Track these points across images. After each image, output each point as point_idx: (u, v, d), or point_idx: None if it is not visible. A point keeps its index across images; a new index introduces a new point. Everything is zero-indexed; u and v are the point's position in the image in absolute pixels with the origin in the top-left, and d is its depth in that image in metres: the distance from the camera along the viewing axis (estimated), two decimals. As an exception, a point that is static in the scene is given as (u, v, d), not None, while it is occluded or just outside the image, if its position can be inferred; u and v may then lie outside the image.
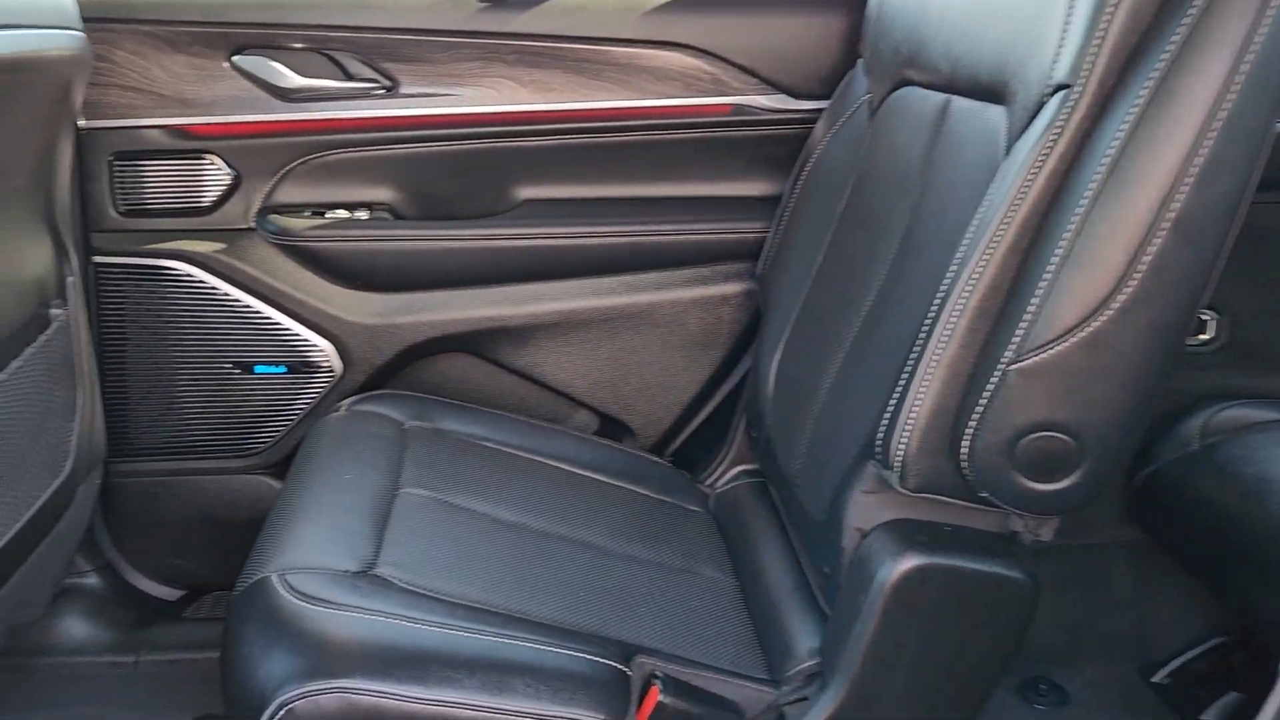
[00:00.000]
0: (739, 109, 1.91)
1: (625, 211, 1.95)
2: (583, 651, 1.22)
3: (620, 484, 1.74)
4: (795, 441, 1.51)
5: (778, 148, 1.91)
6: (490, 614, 1.26)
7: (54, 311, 1.61)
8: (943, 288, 1.15)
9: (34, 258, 1.58)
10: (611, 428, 2.04)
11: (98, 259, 1.84)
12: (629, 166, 1.95)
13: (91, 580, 2.00)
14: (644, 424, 2.01)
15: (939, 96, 1.40)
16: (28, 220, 1.56)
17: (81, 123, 1.76)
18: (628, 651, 1.26)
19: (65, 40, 1.49)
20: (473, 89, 1.87)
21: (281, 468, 1.97)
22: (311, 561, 1.28)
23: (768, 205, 1.89)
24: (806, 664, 1.31)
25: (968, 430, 1.12)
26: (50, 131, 1.61)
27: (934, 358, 1.14)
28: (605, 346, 1.95)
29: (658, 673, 1.25)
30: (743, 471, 1.81)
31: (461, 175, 1.95)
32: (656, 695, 1.20)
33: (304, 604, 1.20)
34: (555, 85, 1.87)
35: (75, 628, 1.96)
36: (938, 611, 1.20)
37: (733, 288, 1.94)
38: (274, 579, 1.24)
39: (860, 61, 1.74)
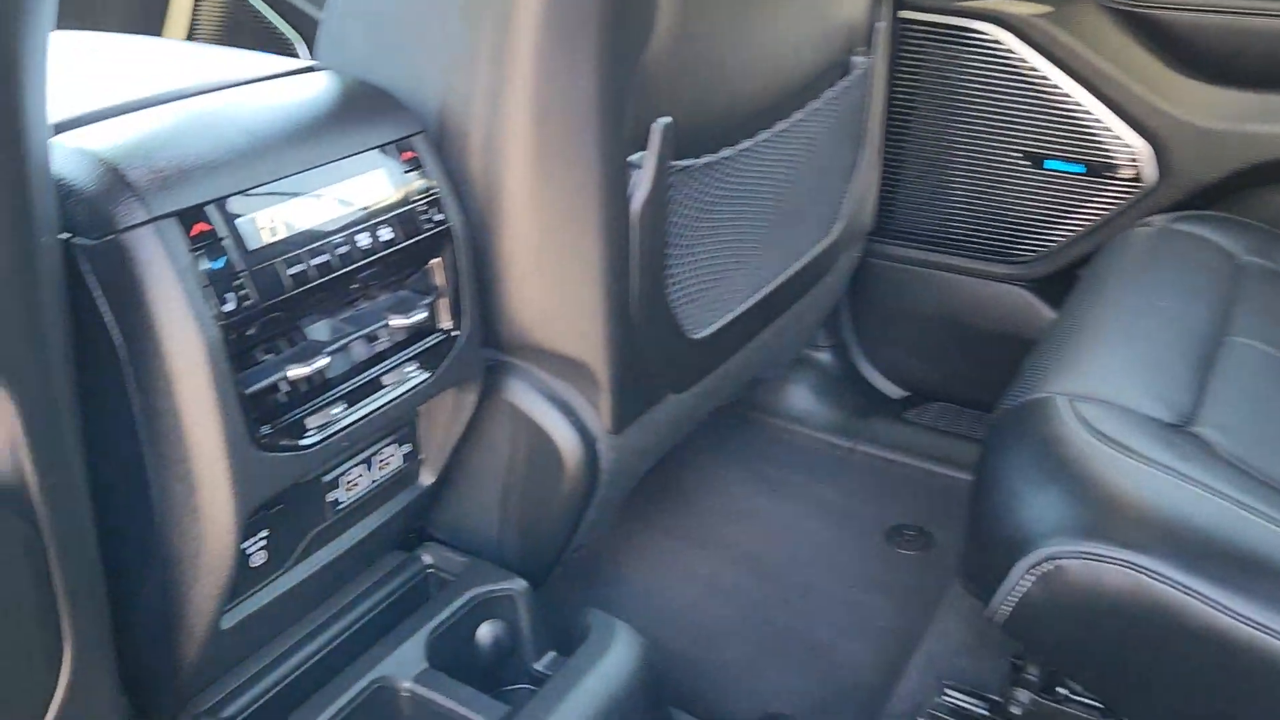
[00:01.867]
0: None
1: None
2: None
3: None
4: None
5: None
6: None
7: (855, 59, 1.48)
8: None
9: (851, -3, 1.45)
10: None
11: (903, 14, 1.67)
12: None
13: (825, 356, 1.97)
14: None
15: None
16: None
17: None
18: None
19: None
20: None
21: (1048, 285, 1.71)
22: (1112, 395, 1.00)
23: None
24: None
25: None
26: None
27: None
28: None
29: None
30: None
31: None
32: None
33: (1099, 444, 0.93)
34: None
35: (802, 398, 1.95)
36: None
37: None
38: (1060, 402, 0.99)
39: None
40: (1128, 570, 0.84)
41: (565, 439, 1.14)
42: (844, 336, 1.96)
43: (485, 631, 1.15)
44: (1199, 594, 0.82)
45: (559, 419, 1.14)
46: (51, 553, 0.71)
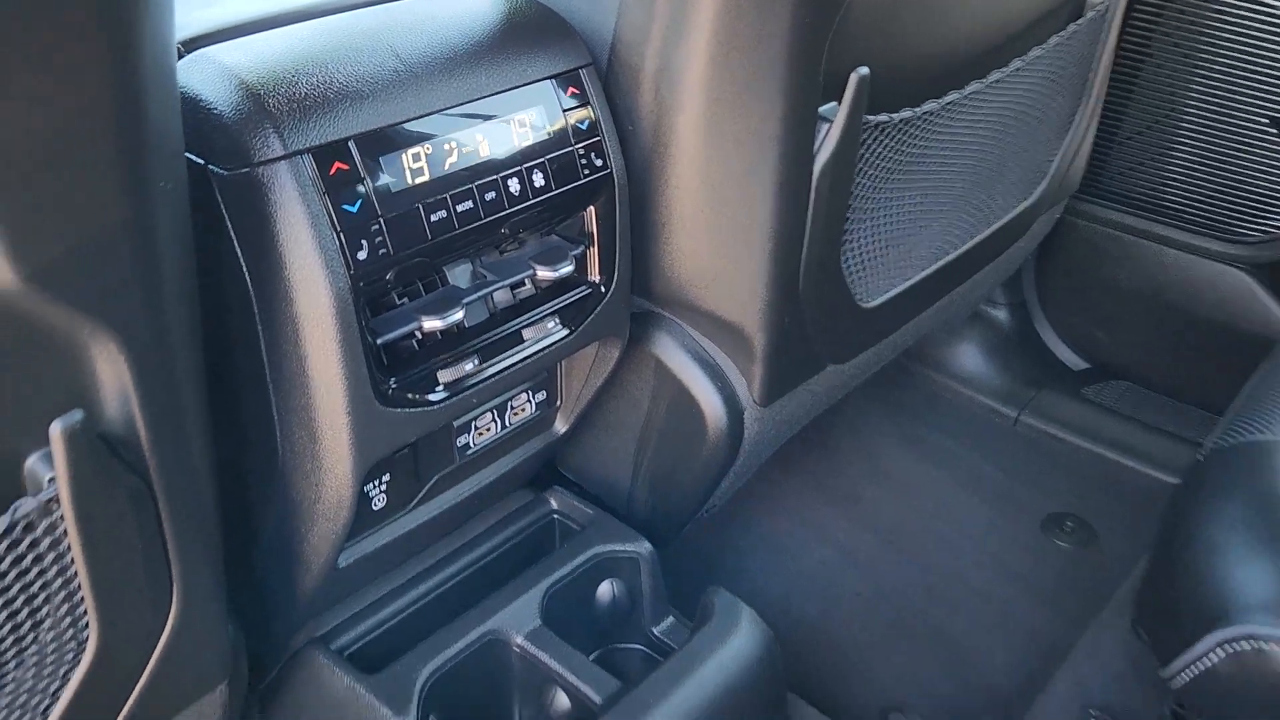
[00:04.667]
0: None
1: None
2: None
3: None
4: None
5: None
6: None
7: (1094, -1, 1.29)
8: None
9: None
10: None
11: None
12: None
13: (1000, 315, 1.82)
14: None
15: None
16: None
17: None
18: None
19: None
20: None
21: (1276, 273, 1.50)
22: (1354, 448, 0.85)
23: None
24: None
25: None
26: None
27: None
28: None
29: None
30: None
31: None
32: None
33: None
34: None
35: (969, 357, 1.81)
36: None
37: None
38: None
39: None
40: (1348, 674, 0.71)
41: (710, 405, 1.06)
42: (1025, 296, 1.80)
43: (604, 590, 1.10)
44: None
45: (706, 383, 1.06)
46: (162, 502, 0.68)
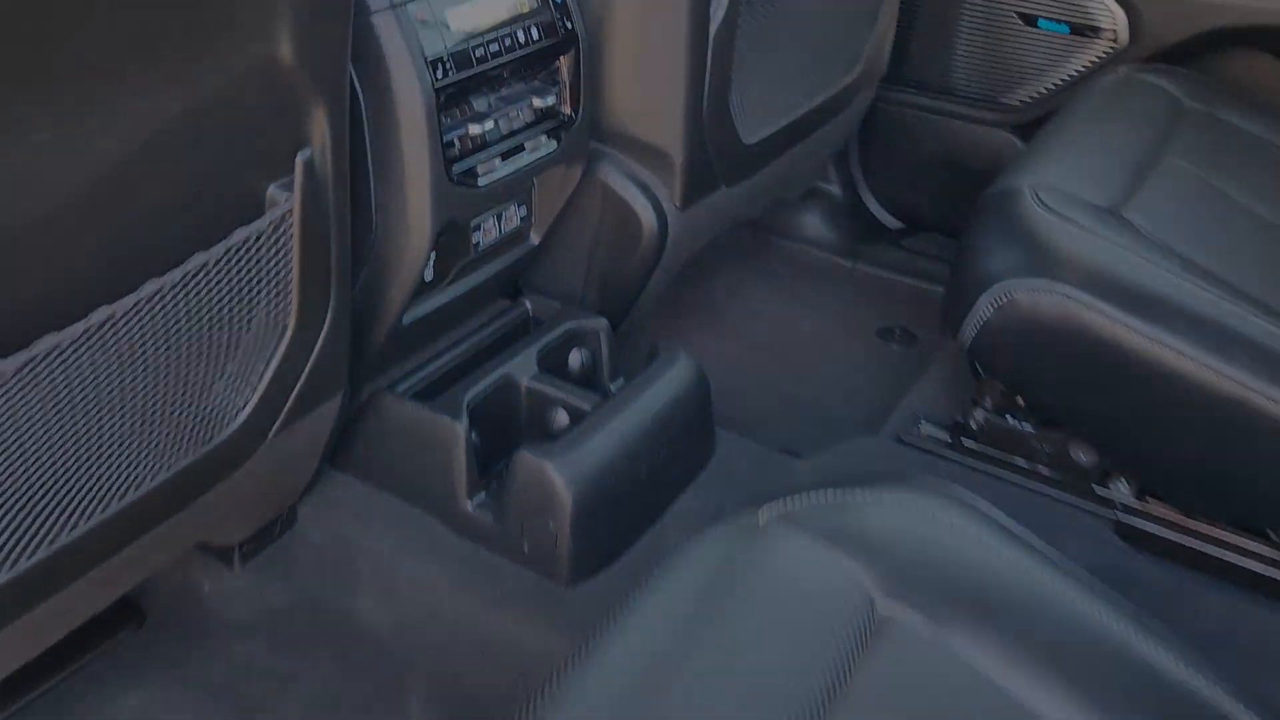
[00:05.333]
0: None
1: None
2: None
3: None
4: None
5: None
6: (1227, 285, 1.23)
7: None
8: None
9: None
10: None
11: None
12: None
13: (834, 189, 2.29)
14: None
15: None
16: None
17: None
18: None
19: None
20: None
21: (1030, 129, 2.02)
22: (1064, 186, 1.34)
23: None
24: None
25: None
26: None
27: None
28: None
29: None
30: None
31: None
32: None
33: (1048, 215, 1.27)
34: None
35: (813, 225, 2.28)
36: None
37: None
38: (1026, 190, 1.33)
39: None
40: (1058, 296, 1.20)
41: (644, 211, 1.47)
42: (852, 173, 2.28)
43: (574, 356, 1.50)
44: (1107, 314, 1.18)
45: (640, 195, 1.47)
46: (333, 230, 1.04)
